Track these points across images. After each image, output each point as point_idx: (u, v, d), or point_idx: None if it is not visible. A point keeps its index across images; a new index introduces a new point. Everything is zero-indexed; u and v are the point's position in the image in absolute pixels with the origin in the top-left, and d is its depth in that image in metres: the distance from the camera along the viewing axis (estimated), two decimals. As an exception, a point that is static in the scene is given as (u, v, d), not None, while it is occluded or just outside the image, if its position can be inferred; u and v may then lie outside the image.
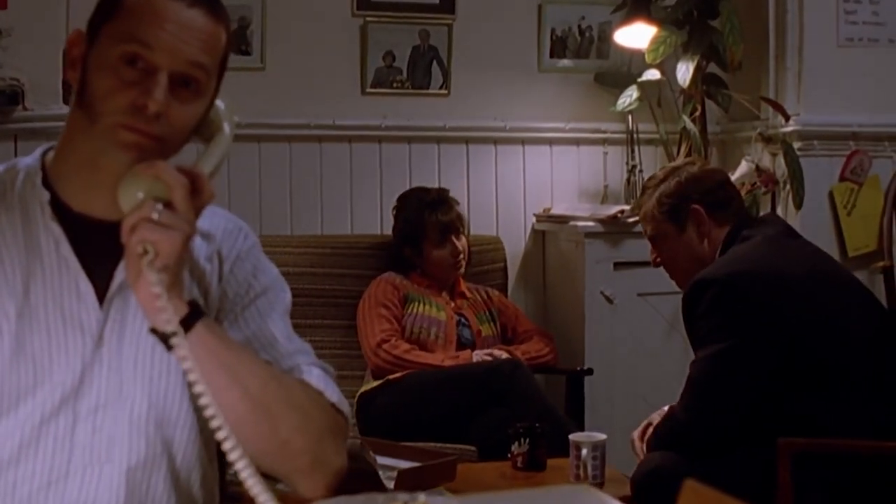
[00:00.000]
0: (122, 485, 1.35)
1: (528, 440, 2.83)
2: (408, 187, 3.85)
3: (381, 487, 2.47)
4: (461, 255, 3.64)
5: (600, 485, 2.70)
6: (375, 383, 3.43)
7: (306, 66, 3.90)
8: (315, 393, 1.38)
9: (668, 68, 3.88)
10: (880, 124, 3.85)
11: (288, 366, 1.41)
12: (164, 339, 1.27)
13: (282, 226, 3.88)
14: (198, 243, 1.45)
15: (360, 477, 2.47)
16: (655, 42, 3.68)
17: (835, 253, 3.83)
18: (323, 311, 3.74)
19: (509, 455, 2.86)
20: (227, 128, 1.46)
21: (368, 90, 3.95)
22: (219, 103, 1.45)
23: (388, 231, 3.85)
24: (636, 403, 3.63)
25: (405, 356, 3.41)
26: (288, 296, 1.51)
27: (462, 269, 3.67)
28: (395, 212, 3.74)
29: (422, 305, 3.56)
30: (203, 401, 1.16)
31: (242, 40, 3.85)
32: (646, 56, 3.71)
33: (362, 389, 3.46)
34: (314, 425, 1.35)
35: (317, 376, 1.40)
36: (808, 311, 2.39)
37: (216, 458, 1.48)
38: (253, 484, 1.06)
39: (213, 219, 1.49)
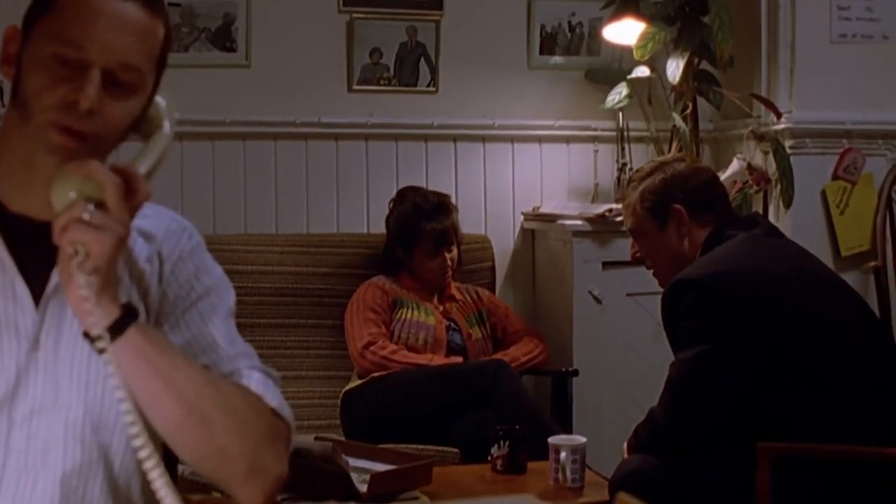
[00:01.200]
0: (56, 491, 1.31)
1: (507, 443, 2.79)
2: (395, 185, 3.81)
3: (353, 490, 2.43)
4: (449, 269, 3.59)
5: (580, 488, 2.66)
6: (360, 381, 3.39)
7: (292, 63, 3.85)
8: (254, 398, 1.34)
9: (659, 65, 3.83)
10: (874, 122, 3.79)
11: (228, 370, 1.37)
12: (93, 342, 1.23)
13: (267, 224, 3.85)
14: (139, 244, 1.42)
15: (331, 480, 2.44)
16: (644, 38, 3.63)
17: (827, 252, 3.79)
18: (308, 310, 3.70)
19: (489, 458, 2.82)
20: (167, 125, 1.43)
21: (355, 87, 3.90)
22: (159, 100, 1.41)
23: (375, 230, 3.81)
24: (624, 405, 3.58)
25: (392, 356, 3.37)
26: (232, 298, 1.46)
27: (449, 280, 3.63)
28: (391, 205, 3.68)
29: (411, 311, 3.51)
30: (123, 406, 1.12)
31: (227, 37, 3.81)
32: (634, 53, 3.66)
33: (347, 387, 3.42)
34: (251, 431, 1.31)
35: (257, 380, 1.36)
36: (791, 312, 2.34)
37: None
38: (165, 494, 1.02)
39: (156, 218, 1.45)
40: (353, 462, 2.69)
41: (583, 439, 2.71)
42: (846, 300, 2.46)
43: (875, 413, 2.32)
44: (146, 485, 1.38)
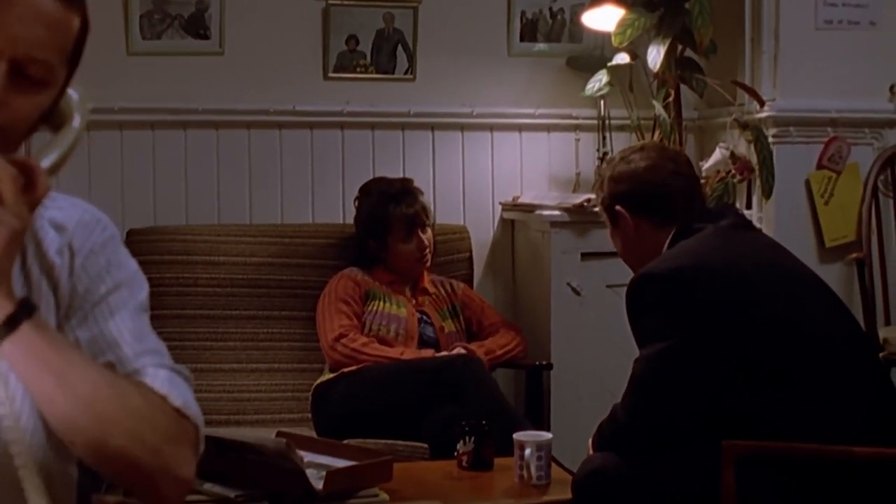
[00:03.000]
0: None
1: (472, 438, 2.72)
2: (371, 175, 3.74)
3: (308, 488, 2.37)
4: (427, 249, 3.53)
5: (546, 486, 2.60)
6: (331, 375, 3.33)
7: (266, 50, 3.79)
8: (157, 398, 1.27)
9: (641, 52, 3.75)
10: (860, 110, 3.71)
11: (133, 368, 1.31)
12: None
13: (240, 214, 3.79)
14: (50, 235, 1.36)
15: (286, 477, 2.37)
16: (622, 25, 3.55)
17: (812, 243, 3.72)
18: (281, 301, 3.64)
19: (455, 454, 2.76)
20: (77, 119, 1.38)
21: (331, 75, 3.83)
22: (71, 93, 1.37)
23: (351, 220, 3.74)
24: (604, 399, 3.49)
25: (363, 349, 3.30)
26: (144, 293, 1.40)
27: (428, 263, 3.56)
28: (356, 203, 3.63)
29: (383, 303, 3.45)
30: (1, 410, 1.06)
31: (200, 24, 3.74)
32: (612, 39, 3.58)
33: (318, 381, 3.36)
34: (152, 433, 1.24)
35: (162, 379, 1.30)
36: (758, 306, 2.26)
37: (75, 465, 1.37)
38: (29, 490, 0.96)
39: (69, 210, 1.39)
40: (315, 458, 2.63)
41: (548, 436, 2.65)
42: (818, 294, 2.39)
43: (847, 410, 2.25)
44: (55, 484, 1.32)
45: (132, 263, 1.41)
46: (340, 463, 2.58)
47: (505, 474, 2.68)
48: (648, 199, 2.52)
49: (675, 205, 2.51)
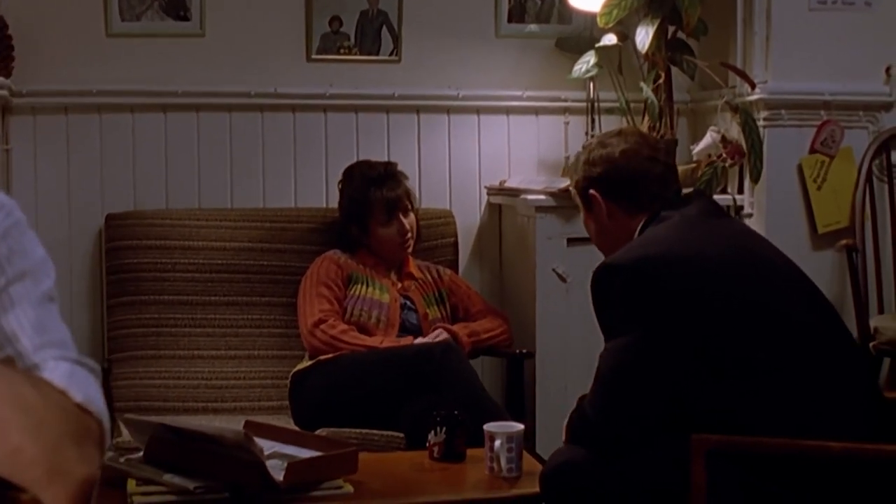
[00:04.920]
0: None
1: (444, 429, 2.66)
2: (355, 159, 3.67)
3: (268, 479, 2.31)
4: (409, 234, 3.46)
5: (516, 479, 2.53)
6: (309, 363, 3.27)
7: (248, 31, 3.72)
8: (56, 393, 1.21)
9: (632, 33, 3.66)
10: (854, 92, 3.62)
11: (32, 362, 1.24)
12: None
13: (221, 199, 3.72)
14: (-47, 224, 1.29)
15: (246, 468, 2.32)
16: (608, 5, 3.47)
17: (804, 229, 3.64)
18: (261, 288, 3.58)
19: (427, 444, 2.70)
20: None
21: (314, 57, 3.76)
22: None
23: (334, 205, 3.68)
24: (589, 388, 3.43)
25: (342, 337, 3.24)
26: (50, 281, 1.33)
27: (410, 248, 3.50)
28: (339, 186, 3.56)
29: (365, 287, 3.39)
30: None
31: (181, 5, 3.68)
32: (598, 20, 3.50)
33: (296, 369, 3.30)
34: (49, 430, 1.18)
35: (62, 373, 1.23)
36: (725, 296, 2.18)
37: None
38: None
39: None
40: (281, 448, 2.57)
41: (520, 427, 2.58)
42: (792, 282, 2.30)
43: (822, 402, 2.17)
44: None
45: (39, 251, 1.35)
46: (306, 454, 2.52)
47: (477, 466, 2.60)
48: (622, 183, 2.45)
49: (650, 191, 2.43)
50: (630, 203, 2.44)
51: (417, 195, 3.63)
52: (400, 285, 3.47)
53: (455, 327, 3.36)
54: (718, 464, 2.08)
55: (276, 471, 2.35)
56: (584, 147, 2.62)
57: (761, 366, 2.15)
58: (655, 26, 3.52)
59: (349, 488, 2.41)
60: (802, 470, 2.10)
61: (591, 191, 2.48)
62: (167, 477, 2.36)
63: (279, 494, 2.31)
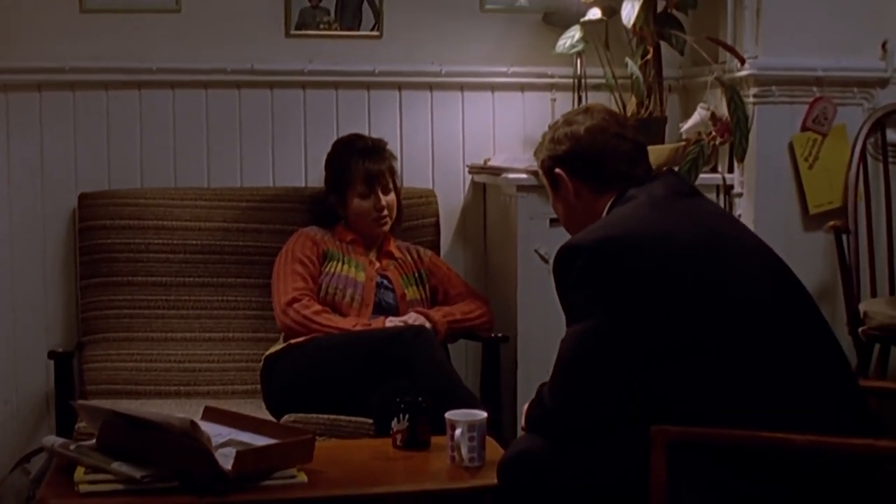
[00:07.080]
0: None
1: (407, 416, 2.58)
2: (334, 137, 3.58)
3: (217, 469, 2.24)
4: (385, 212, 3.38)
5: (478, 468, 2.45)
6: (281, 346, 3.20)
7: (225, 6, 3.64)
8: None
9: (621, 7, 3.55)
10: (848, 68, 3.49)
11: None
12: None
13: (198, 178, 3.65)
14: None
15: (193, 456, 2.25)
16: (592, -23, 3.36)
17: (795, 209, 3.53)
18: (237, 269, 3.52)
19: (390, 432, 2.62)
20: None
21: (292, 32, 3.67)
22: None
23: (313, 184, 3.61)
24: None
25: (315, 318, 3.16)
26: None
27: (387, 227, 3.41)
28: (327, 158, 3.48)
29: (340, 264, 3.31)
30: None
31: (156, -21, 3.59)
32: (582, -7, 3.39)
33: (269, 351, 3.23)
34: None
35: None
36: (690, 278, 2.09)
37: None
38: None
39: None
40: (237, 435, 2.50)
41: (483, 414, 2.49)
42: (761, 266, 2.20)
43: (791, 391, 2.08)
44: None
45: None
46: (262, 441, 2.45)
47: (440, 455, 2.53)
48: (588, 161, 2.36)
49: (617, 169, 2.34)
50: (597, 182, 2.36)
51: (400, 175, 3.54)
52: (378, 264, 3.39)
53: (431, 311, 3.28)
54: (681, 454, 1.99)
55: (227, 459, 2.28)
56: (550, 126, 2.53)
57: (724, 351, 2.06)
58: (642, 0, 3.40)
59: (303, 477, 2.34)
60: (768, 460, 2.01)
61: (557, 169, 2.40)
62: (115, 465, 2.30)
63: (228, 484, 2.24)
